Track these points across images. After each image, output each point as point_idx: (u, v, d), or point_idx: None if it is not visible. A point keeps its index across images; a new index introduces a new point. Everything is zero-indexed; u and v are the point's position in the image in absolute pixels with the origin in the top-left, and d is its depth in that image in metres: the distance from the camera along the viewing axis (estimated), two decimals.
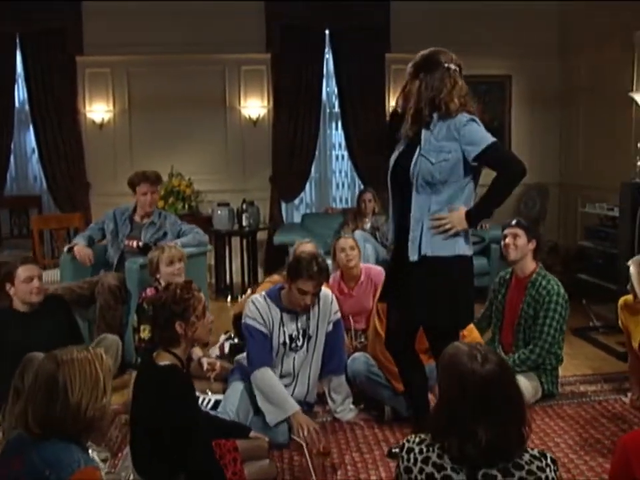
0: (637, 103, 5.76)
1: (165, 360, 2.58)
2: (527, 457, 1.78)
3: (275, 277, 4.27)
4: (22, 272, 3.51)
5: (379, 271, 4.30)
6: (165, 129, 6.74)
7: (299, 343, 3.41)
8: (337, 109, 7.13)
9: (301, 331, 3.40)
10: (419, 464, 1.81)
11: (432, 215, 2.80)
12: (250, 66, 6.87)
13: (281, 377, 3.41)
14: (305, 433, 3.06)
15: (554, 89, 7.13)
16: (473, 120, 2.79)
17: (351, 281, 4.23)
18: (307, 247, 4.25)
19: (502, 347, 4.01)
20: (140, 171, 4.83)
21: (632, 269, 3.16)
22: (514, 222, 3.90)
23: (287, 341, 3.37)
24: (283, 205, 7.17)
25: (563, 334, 3.84)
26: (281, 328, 3.36)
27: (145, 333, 3.79)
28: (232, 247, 6.54)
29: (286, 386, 3.39)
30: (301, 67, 6.80)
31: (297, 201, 7.32)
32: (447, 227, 2.79)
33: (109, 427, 3.43)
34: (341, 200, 7.40)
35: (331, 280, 4.28)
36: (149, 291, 3.89)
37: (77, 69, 6.59)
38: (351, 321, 4.35)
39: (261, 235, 6.81)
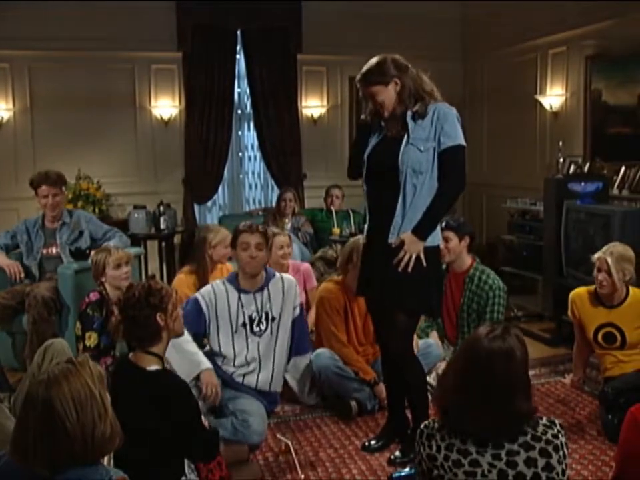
0: (541, 105, 6.15)
1: (150, 364, 2.44)
2: (540, 427, 1.83)
3: (185, 269, 4.38)
4: None
5: (307, 266, 4.62)
6: (71, 130, 6.36)
7: (262, 327, 3.39)
8: (249, 110, 7.06)
9: (262, 313, 3.38)
10: (442, 451, 1.81)
11: (395, 261, 2.85)
12: (160, 65, 6.63)
13: (247, 363, 3.38)
14: (207, 391, 3.08)
15: (458, 92, 7.42)
16: (458, 118, 2.96)
17: None
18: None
19: (448, 340, 4.13)
20: (42, 171, 4.54)
21: (609, 260, 3.29)
22: (443, 225, 3.84)
23: (247, 321, 3.37)
24: (196, 207, 6.99)
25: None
26: (240, 309, 3.36)
27: (91, 340, 3.58)
28: (147, 251, 6.30)
29: (251, 372, 3.38)
30: (213, 66, 6.66)
31: (209, 203, 7.16)
32: (407, 257, 2.86)
33: None
34: (254, 201, 7.31)
35: None
36: (93, 296, 3.65)
37: None
38: None
39: (178, 238, 6.61)
